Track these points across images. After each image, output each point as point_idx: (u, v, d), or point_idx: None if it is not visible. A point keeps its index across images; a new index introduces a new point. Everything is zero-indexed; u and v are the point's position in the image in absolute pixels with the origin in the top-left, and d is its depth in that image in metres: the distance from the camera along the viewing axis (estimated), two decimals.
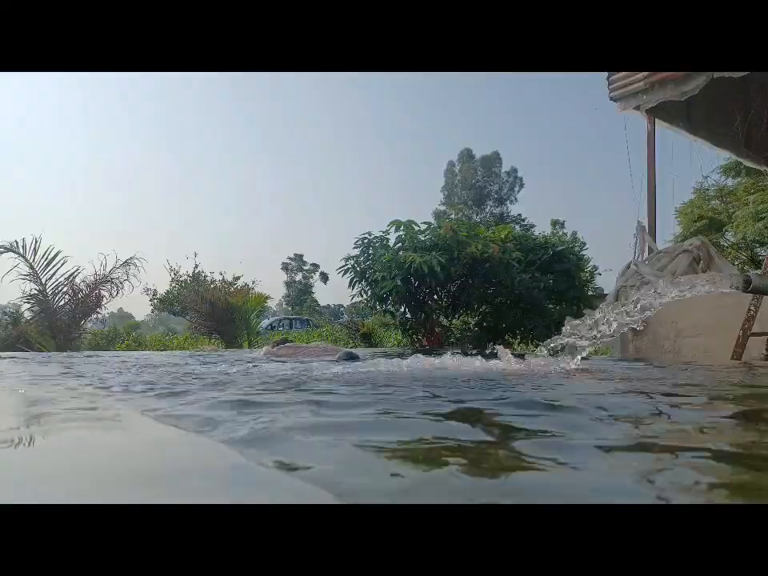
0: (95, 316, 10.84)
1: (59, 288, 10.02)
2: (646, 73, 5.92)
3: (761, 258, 13.61)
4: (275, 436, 1.01)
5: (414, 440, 1.00)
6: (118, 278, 10.36)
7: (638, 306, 2.65)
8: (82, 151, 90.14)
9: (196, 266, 12.10)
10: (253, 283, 12.10)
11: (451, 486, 0.71)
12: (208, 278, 12.06)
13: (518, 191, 41.24)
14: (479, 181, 40.63)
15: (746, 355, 3.79)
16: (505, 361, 2.82)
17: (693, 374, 2.75)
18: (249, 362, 3.87)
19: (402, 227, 7.31)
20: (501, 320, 7.98)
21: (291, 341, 6.42)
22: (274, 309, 38.93)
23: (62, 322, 9.90)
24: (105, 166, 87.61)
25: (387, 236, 7.57)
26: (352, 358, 3.82)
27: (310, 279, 45.49)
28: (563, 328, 2.75)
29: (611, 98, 6.45)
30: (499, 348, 2.96)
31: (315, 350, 5.05)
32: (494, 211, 40.68)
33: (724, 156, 8.30)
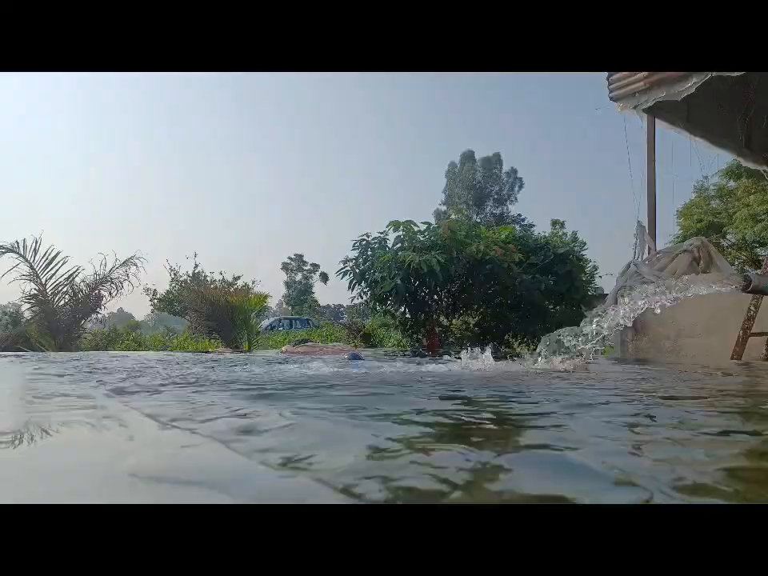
0: (95, 316, 10.83)
1: (59, 288, 10.01)
2: (646, 73, 5.92)
3: (761, 258, 13.61)
4: None
5: None
6: (117, 278, 10.35)
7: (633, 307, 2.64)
8: (82, 151, 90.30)
9: (196, 266, 12.10)
10: (253, 283, 12.09)
11: None
12: (208, 278, 12.05)
13: (518, 191, 41.33)
14: (479, 182, 40.67)
15: (745, 355, 3.79)
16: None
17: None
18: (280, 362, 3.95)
19: (400, 227, 7.30)
20: (501, 321, 7.97)
21: (311, 340, 6.53)
22: (274, 309, 38.92)
23: (61, 322, 9.89)
24: (105, 166, 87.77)
25: (386, 237, 7.56)
26: (357, 357, 4.19)
27: (310, 279, 45.44)
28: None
29: (611, 98, 6.45)
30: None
31: (334, 349, 5.20)
32: (494, 211, 40.73)
33: (724, 157, 8.28)
